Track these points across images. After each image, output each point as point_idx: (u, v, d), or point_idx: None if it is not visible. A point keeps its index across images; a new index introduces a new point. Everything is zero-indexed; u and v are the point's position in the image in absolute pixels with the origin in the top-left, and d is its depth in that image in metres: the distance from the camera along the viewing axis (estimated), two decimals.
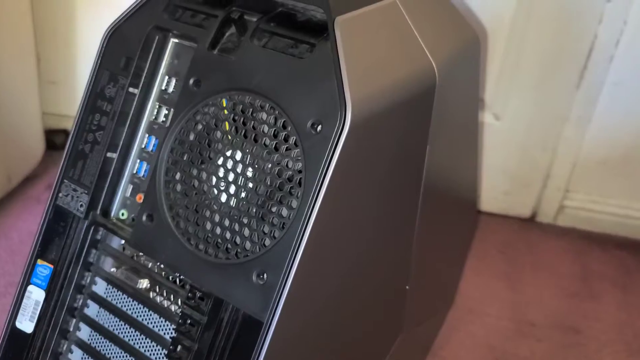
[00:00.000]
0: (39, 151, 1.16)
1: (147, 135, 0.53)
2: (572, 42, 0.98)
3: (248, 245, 0.45)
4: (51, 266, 0.53)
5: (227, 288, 0.43)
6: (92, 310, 0.54)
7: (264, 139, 0.46)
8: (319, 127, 0.43)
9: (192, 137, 0.48)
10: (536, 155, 1.09)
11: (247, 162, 0.46)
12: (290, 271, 0.43)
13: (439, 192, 0.60)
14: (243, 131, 0.46)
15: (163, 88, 0.53)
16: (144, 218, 0.49)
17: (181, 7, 0.51)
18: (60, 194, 0.54)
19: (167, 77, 0.53)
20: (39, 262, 0.54)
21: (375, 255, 0.52)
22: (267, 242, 0.44)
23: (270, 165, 0.45)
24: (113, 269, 0.53)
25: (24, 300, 0.54)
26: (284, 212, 0.44)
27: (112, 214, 0.54)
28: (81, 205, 0.52)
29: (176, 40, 0.52)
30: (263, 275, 0.44)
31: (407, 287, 0.60)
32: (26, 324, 0.54)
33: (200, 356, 0.46)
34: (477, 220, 0.94)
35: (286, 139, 0.45)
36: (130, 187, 0.53)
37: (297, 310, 0.44)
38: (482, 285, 1.01)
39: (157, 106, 0.53)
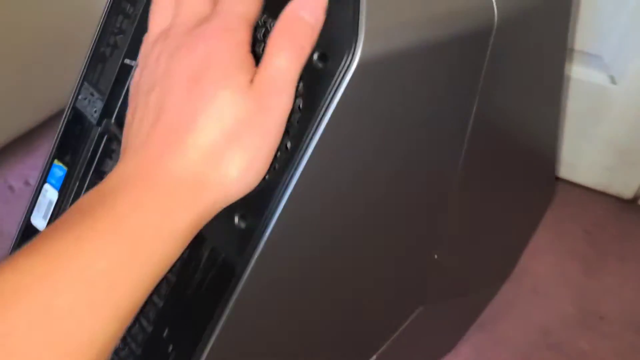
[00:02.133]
0: None
1: None
2: None
3: None
4: (66, 168, 0.52)
5: (211, 225, 0.39)
6: None
7: None
8: (326, 61, 0.37)
9: None
10: None
11: None
12: (272, 217, 0.38)
13: (491, 153, 0.52)
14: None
15: None
16: None
17: None
18: (80, 96, 0.52)
19: None
20: (56, 162, 0.53)
21: (387, 216, 0.46)
22: None
23: None
24: None
25: (40, 198, 0.54)
26: (277, 153, 0.39)
27: None
28: (95, 111, 0.50)
29: None
30: (244, 218, 0.39)
31: (435, 256, 0.53)
32: (39, 221, 0.54)
33: (177, 288, 0.43)
34: (553, 189, 0.84)
35: None
36: None
37: (277, 261, 0.40)
38: (554, 264, 0.91)
39: None
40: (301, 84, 0.38)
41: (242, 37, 0.37)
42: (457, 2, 0.40)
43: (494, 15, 0.42)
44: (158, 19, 0.41)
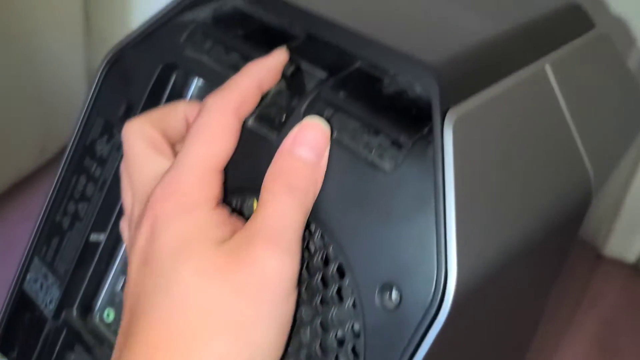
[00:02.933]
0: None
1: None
2: None
3: None
4: None
5: None
6: None
7: (314, 277, 0.29)
8: (394, 298, 0.26)
9: None
10: None
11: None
12: None
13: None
14: None
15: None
16: None
17: (211, 38, 0.34)
18: (28, 276, 0.39)
19: None
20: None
21: None
22: None
23: (313, 313, 0.29)
24: None
25: None
26: None
27: (95, 311, 0.39)
28: (50, 301, 0.38)
29: (201, 84, 0.35)
30: None
31: None
32: None
33: None
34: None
35: (340, 295, 0.28)
36: (122, 278, 0.38)
37: None
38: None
39: None
40: (357, 322, 0.27)
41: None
42: (557, 189, 0.30)
43: (590, 188, 0.32)
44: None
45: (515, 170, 0.28)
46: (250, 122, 0.31)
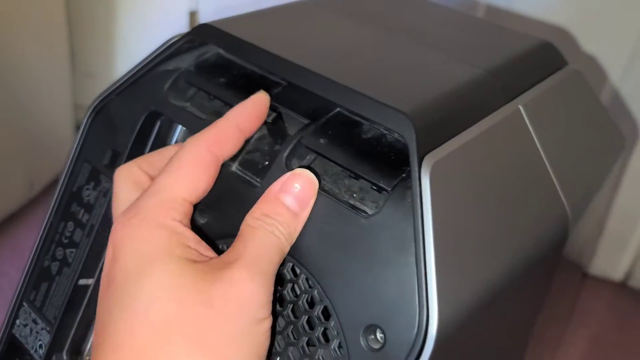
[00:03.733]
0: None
1: None
2: None
3: None
4: None
5: None
6: None
7: (300, 318, 0.29)
8: (379, 339, 0.26)
9: None
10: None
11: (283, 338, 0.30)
12: None
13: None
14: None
15: None
16: None
17: (194, 85, 0.35)
18: (18, 321, 0.39)
19: None
20: None
21: None
22: None
23: (301, 355, 0.29)
24: None
25: None
26: None
27: (85, 355, 0.39)
28: (40, 346, 0.38)
29: (185, 130, 0.36)
30: None
31: None
32: None
33: None
34: None
35: (326, 337, 0.28)
36: None
37: None
38: None
39: None
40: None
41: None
42: (536, 227, 0.31)
43: (568, 224, 0.33)
44: None
45: (494, 210, 0.29)
46: (234, 166, 0.32)
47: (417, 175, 0.26)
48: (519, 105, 0.32)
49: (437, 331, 0.25)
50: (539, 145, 0.32)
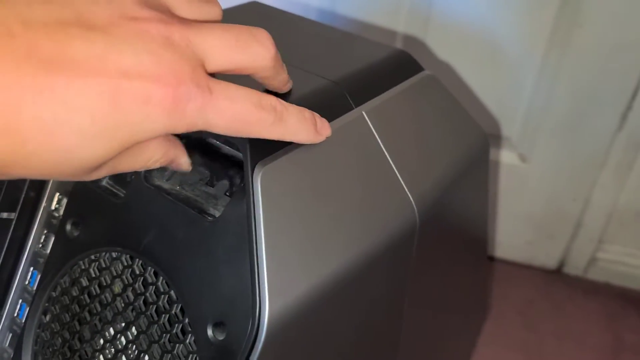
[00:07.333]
0: None
1: (31, 269, 0.40)
2: (616, 79, 0.82)
3: None
4: None
5: None
6: None
7: (161, 317, 0.32)
8: (222, 332, 0.29)
9: (67, 301, 0.35)
10: (566, 203, 0.94)
11: (140, 344, 0.33)
12: None
13: (429, 314, 0.46)
14: (133, 303, 0.33)
15: (53, 208, 0.39)
16: None
17: None
18: None
19: (57, 195, 0.39)
20: None
21: None
22: None
23: (163, 351, 0.32)
24: None
25: None
26: None
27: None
28: None
29: None
30: None
31: None
32: None
33: None
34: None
35: (184, 333, 0.31)
36: (10, 335, 0.41)
37: None
38: (495, 357, 0.87)
39: (45, 233, 0.39)
40: (195, 356, 0.30)
41: None
42: (379, 217, 0.34)
43: (415, 217, 0.36)
44: None
45: (327, 210, 0.32)
46: (105, 181, 0.34)
47: (249, 181, 0.29)
48: (363, 112, 0.35)
49: (267, 322, 0.28)
50: (382, 146, 0.36)
